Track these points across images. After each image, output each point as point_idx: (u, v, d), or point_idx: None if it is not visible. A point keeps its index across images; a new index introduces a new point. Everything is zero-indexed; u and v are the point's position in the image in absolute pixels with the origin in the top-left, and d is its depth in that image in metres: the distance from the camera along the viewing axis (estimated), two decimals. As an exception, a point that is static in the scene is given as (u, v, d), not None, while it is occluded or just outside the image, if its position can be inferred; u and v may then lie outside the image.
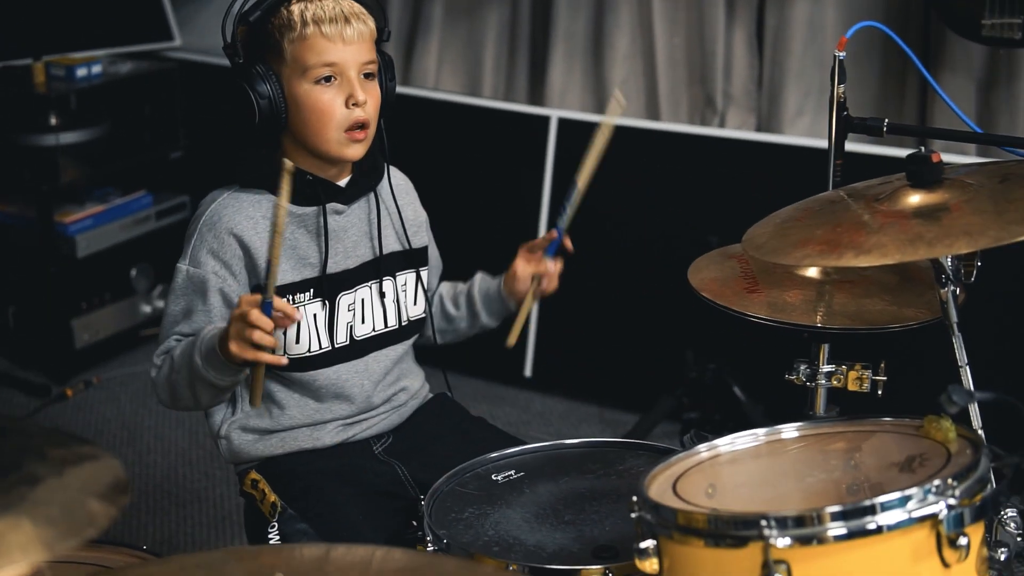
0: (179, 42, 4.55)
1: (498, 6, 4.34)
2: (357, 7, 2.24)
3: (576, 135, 4.01)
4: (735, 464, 1.75)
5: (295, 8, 2.19)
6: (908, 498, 1.48)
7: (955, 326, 1.91)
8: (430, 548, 1.97)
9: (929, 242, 1.72)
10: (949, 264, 1.89)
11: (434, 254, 2.55)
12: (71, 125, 4.21)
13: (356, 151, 2.24)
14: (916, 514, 1.48)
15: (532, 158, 4.09)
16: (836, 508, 1.48)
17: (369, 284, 2.35)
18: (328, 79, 2.20)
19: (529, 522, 2.03)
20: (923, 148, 1.87)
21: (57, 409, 4.09)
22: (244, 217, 2.24)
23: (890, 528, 1.48)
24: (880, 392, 2.27)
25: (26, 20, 4.24)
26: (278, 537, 2.24)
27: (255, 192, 2.26)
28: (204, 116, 4.50)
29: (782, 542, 1.47)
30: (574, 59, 4.22)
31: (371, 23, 2.25)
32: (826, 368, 2.30)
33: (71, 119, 4.22)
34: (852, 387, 2.29)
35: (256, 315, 2.01)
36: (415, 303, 2.42)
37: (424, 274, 2.44)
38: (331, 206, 2.29)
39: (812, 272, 2.30)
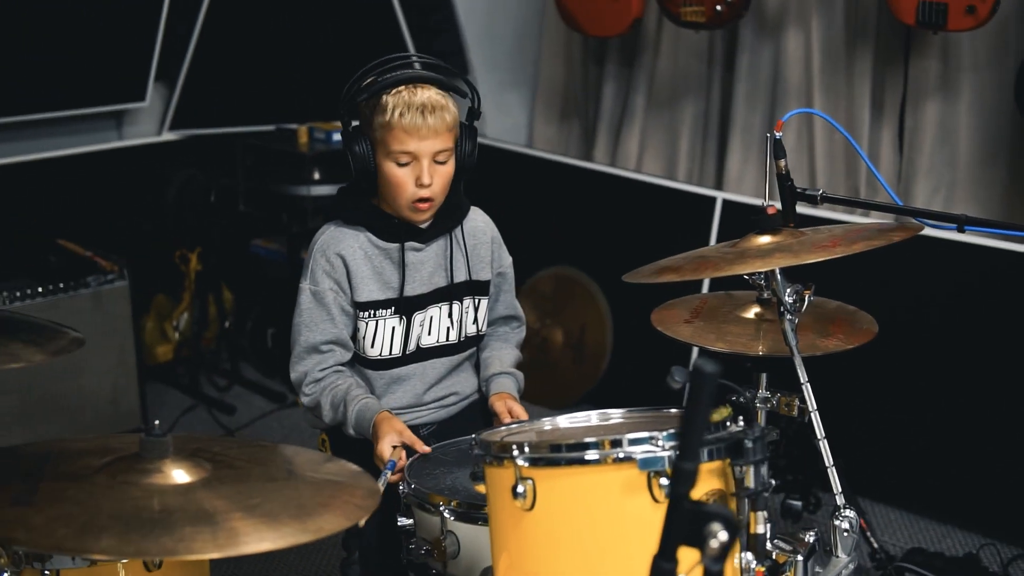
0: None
1: (693, 100, 4.91)
2: (440, 99, 2.71)
3: (738, 215, 4.52)
4: (559, 431, 2.28)
5: (389, 99, 2.73)
6: (618, 442, 1.98)
7: (794, 349, 2.35)
8: (402, 489, 2.57)
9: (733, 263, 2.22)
10: (787, 299, 2.34)
11: (507, 300, 3.06)
12: (325, 179, 5.05)
13: (421, 217, 2.82)
14: (618, 454, 1.97)
15: (699, 232, 4.61)
16: (559, 442, 2.01)
17: (440, 305, 2.93)
18: (405, 163, 2.76)
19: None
20: (764, 203, 2.35)
21: (286, 413, 4.93)
22: (346, 246, 2.85)
23: (597, 461, 1.98)
24: (806, 417, 2.68)
25: (297, 92, 5.17)
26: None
27: (353, 228, 2.87)
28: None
29: (523, 462, 2.01)
30: (750, 149, 4.73)
31: (450, 114, 2.73)
32: (763, 394, 2.75)
33: (326, 174, 5.07)
34: (782, 412, 2.71)
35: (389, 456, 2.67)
36: (473, 323, 2.98)
37: (484, 302, 2.99)
38: (410, 244, 2.87)
39: (750, 315, 2.77)
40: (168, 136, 5.16)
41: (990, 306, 3.80)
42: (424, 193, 2.76)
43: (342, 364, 2.87)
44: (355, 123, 2.81)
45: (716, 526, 1.49)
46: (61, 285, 4.42)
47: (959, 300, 3.84)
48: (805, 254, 2.16)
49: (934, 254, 3.78)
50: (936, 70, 4.18)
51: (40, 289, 4.36)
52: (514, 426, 2.32)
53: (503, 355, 3.07)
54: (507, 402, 2.90)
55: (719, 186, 4.83)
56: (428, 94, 2.73)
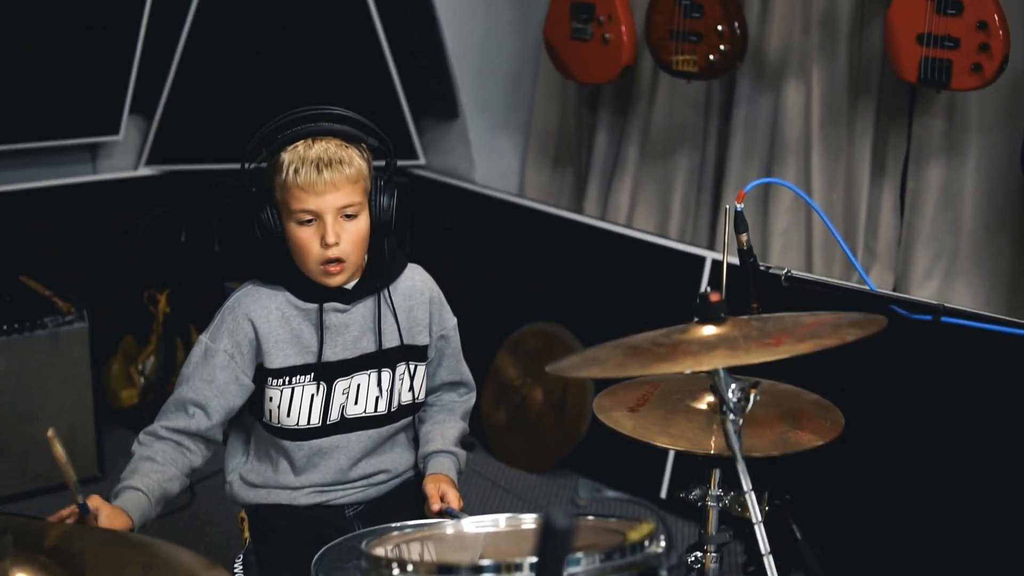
0: (423, 160, 5.13)
1: (688, 152, 4.66)
2: (339, 152, 2.53)
3: (728, 277, 4.25)
4: (463, 538, 2.03)
5: (285, 156, 2.54)
6: (517, 566, 1.73)
7: (737, 453, 2.09)
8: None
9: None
10: (731, 396, 2.08)
11: (451, 364, 2.85)
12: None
13: (333, 281, 2.59)
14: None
15: (688, 293, 4.34)
16: (449, 562, 1.76)
17: (368, 372, 2.71)
18: (307, 221, 2.55)
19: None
20: (708, 288, 2.09)
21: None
22: (260, 307, 2.64)
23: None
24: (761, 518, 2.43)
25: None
26: (240, 568, 2.69)
27: (272, 287, 2.66)
28: (430, 224, 5.03)
29: (404, 582, 1.77)
30: (745, 206, 4.46)
31: (354, 166, 2.54)
32: (715, 492, 2.49)
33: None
34: (735, 512, 2.46)
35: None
36: (409, 391, 2.76)
37: (421, 369, 2.77)
38: (331, 305, 2.65)
39: (703, 405, 2.51)
40: (144, 171, 4.95)
41: (977, 389, 3.52)
42: (332, 253, 2.54)
43: (196, 433, 2.65)
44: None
45: None
46: (16, 326, 4.22)
47: (949, 383, 3.56)
48: (744, 353, 1.90)
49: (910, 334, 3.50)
50: (941, 130, 3.91)
51: (-6, 329, 4.16)
52: (408, 530, 2.07)
53: (446, 430, 2.85)
54: (441, 486, 2.68)
55: (711, 243, 4.57)
56: (324, 147, 2.53)
